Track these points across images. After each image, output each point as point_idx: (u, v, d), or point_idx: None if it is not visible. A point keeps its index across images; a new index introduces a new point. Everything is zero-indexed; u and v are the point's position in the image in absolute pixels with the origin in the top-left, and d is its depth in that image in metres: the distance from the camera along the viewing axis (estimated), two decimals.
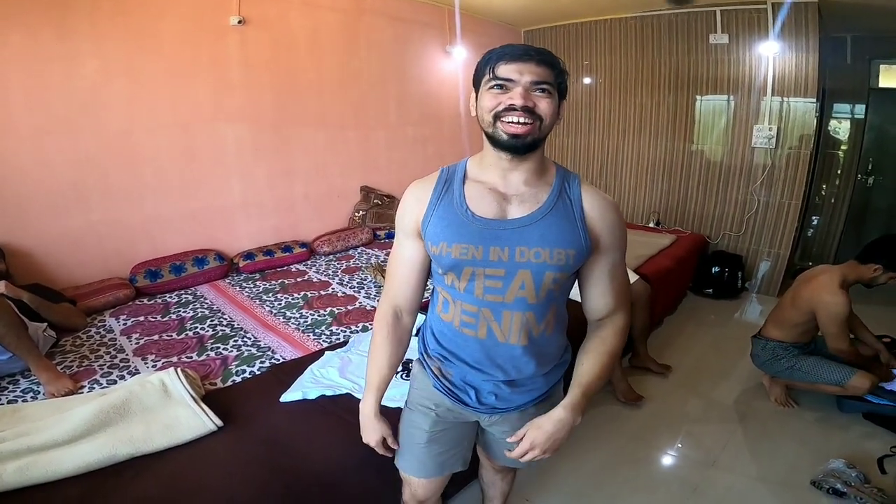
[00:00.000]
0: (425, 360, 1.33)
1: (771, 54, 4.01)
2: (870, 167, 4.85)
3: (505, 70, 1.04)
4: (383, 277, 3.24)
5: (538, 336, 1.19)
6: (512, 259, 1.10)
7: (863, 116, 4.72)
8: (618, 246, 1.17)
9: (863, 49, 4.57)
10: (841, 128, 4.89)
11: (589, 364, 1.19)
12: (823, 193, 5.03)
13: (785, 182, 4.19)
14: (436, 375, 1.29)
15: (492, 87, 1.06)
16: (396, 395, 1.86)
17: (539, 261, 1.09)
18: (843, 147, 4.89)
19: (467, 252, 1.10)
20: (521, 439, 1.17)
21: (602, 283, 1.19)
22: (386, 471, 1.44)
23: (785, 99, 4.05)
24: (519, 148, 1.06)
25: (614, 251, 1.17)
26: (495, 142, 1.08)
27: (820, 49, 3.84)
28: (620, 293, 1.22)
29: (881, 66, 4.61)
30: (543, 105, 1.05)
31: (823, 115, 4.54)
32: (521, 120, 1.03)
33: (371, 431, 1.32)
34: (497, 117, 1.05)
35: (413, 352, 1.61)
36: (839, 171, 4.95)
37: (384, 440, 1.33)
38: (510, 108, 1.03)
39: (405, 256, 1.24)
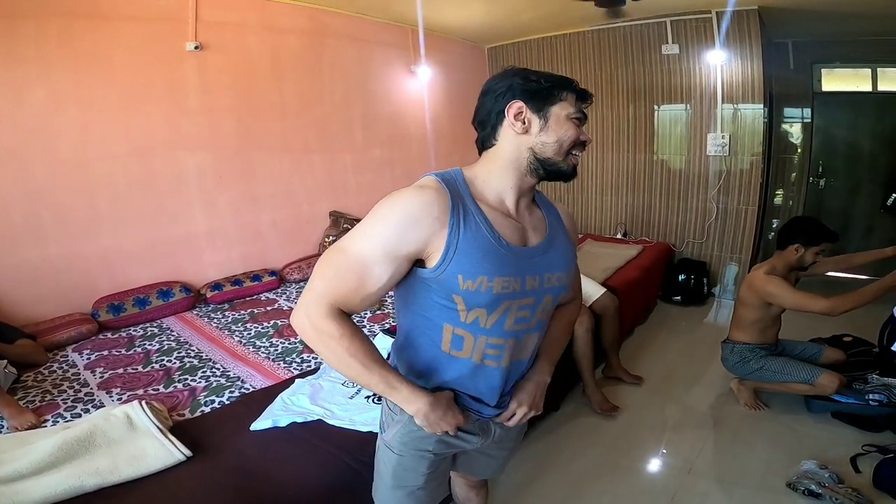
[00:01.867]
0: None
1: (718, 62, 4.14)
2: (820, 170, 5.02)
3: (585, 107, 1.10)
4: None
5: (536, 347, 1.24)
6: (542, 286, 1.11)
7: (810, 120, 4.90)
8: (577, 241, 1.29)
9: (805, 54, 4.76)
10: (792, 132, 5.06)
11: (554, 334, 1.30)
12: (780, 197, 5.18)
13: (740, 188, 4.31)
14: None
15: (576, 119, 1.08)
16: (368, 419, 1.86)
17: (561, 284, 1.15)
18: (799, 151, 5.06)
19: (509, 286, 1.04)
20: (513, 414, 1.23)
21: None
22: (359, 496, 1.41)
23: (735, 106, 4.19)
24: (574, 178, 1.12)
25: (576, 246, 1.27)
26: (553, 169, 1.09)
27: (763, 55, 3.99)
28: (578, 284, 1.38)
29: (822, 70, 4.80)
30: None
31: (772, 121, 4.69)
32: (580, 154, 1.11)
33: (448, 415, 1.11)
34: (571, 148, 1.08)
35: None
36: (793, 175, 5.12)
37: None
38: (583, 144, 1.10)
39: (379, 278, 1.00)
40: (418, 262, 1.03)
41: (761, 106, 4.08)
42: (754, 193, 4.25)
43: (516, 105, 1.05)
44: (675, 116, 4.58)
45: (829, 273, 2.80)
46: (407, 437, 1.21)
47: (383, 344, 2.48)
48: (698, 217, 4.58)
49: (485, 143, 1.13)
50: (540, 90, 1.05)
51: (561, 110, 1.05)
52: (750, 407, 2.84)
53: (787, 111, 5.00)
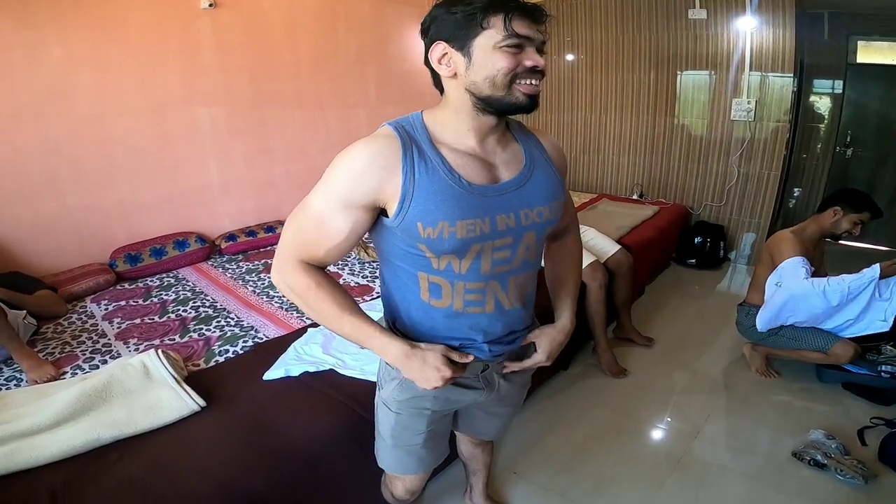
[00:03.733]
0: None
1: (748, 29, 3.99)
2: (848, 139, 4.89)
3: (523, 27, 0.92)
4: (367, 254, 3.22)
5: (530, 290, 1.19)
6: (519, 224, 1.04)
7: (841, 91, 4.74)
8: (567, 170, 1.22)
9: (840, 25, 4.55)
10: (821, 103, 4.91)
11: (563, 274, 1.31)
12: (804, 165, 5.07)
13: (764, 154, 4.20)
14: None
15: (509, 46, 0.92)
16: (374, 368, 1.87)
17: (542, 219, 1.07)
18: (827, 121, 4.92)
19: (475, 228, 0.98)
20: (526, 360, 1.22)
21: (564, 206, 1.21)
22: (368, 445, 1.43)
23: (764, 74, 4.05)
24: (533, 108, 0.98)
25: (566, 176, 1.21)
26: (502, 105, 0.97)
27: (796, 25, 3.83)
28: (574, 210, 1.33)
29: (859, 42, 4.60)
30: (545, 66, 0.98)
31: (802, 91, 4.55)
32: (538, 81, 0.97)
33: (431, 367, 1.05)
34: (514, 79, 0.95)
35: None
36: (819, 145, 4.99)
37: (447, 360, 1.07)
38: (533, 70, 0.95)
39: (339, 230, 0.99)
40: (383, 212, 1.00)
41: (791, 75, 3.95)
42: (778, 159, 4.15)
43: (438, 48, 0.97)
44: (698, 82, 4.43)
45: (850, 242, 2.75)
46: (403, 394, 1.19)
47: None
48: (718, 181, 4.49)
49: (437, 88, 1.06)
50: (460, 24, 0.93)
51: (486, 41, 0.93)
52: (761, 374, 2.83)
53: (818, 82, 4.81)
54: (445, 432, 1.38)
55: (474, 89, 0.97)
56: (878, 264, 2.32)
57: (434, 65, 1.00)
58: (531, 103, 0.97)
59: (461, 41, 0.95)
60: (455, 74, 0.98)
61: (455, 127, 1.02)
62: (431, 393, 1.16)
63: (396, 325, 1.16)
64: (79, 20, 2.77)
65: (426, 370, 1.05)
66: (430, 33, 0.99)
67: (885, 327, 2.40)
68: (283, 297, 2.65)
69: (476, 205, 0.99)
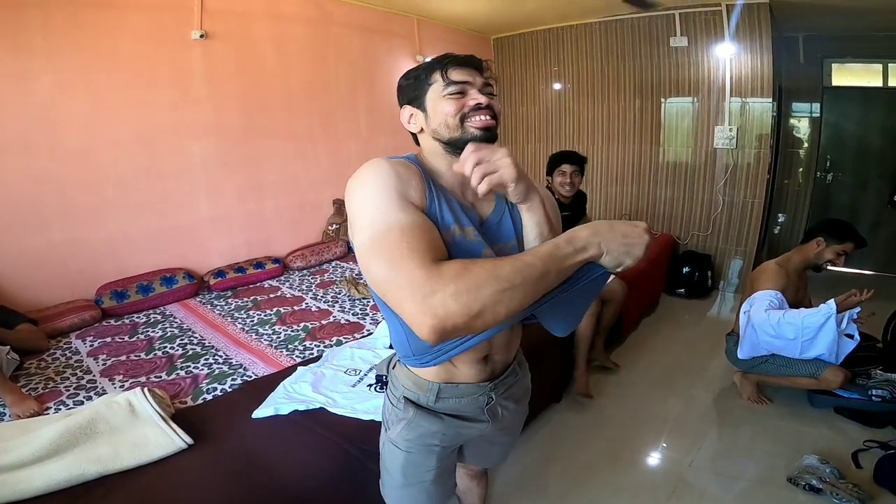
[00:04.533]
0: (431, 407, 1.20)
1: (728, 56, 4.12)
2: (828, 164, 4.99)
3: (459, 74, 1.06)
4: (357, 290, 3.20)
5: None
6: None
7: (819, 115, 4.86)
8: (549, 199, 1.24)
9: (815, 48, 4.72)
10: (801, 126, 5.02)
11: None
12: (787, 190, 5.15)
13: (747, 181, 4.29)
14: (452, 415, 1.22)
15: (451, 93, 1.05)
16: (370, 407, 1.86)
17: (516, 252, 1.08)
18: (806, 145, 5.02)
19: (476, 236, 1.03)
20: None
21: None
22: (360, 484, 1.41)
23: (744, 99, 4.16)
24: (490, 139, 1.05)
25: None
26: (463, 143, 1.02)
27: (773, 49, 3.96)
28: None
29: (833, 64, 4.76)
30: (496, 105, 1.08)
31: (781, 115, 4.66)
32: (489, 116, 1.05)
33: (638, 229, 1.02)
34: (463, 119, 1.04)
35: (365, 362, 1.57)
36: (801, 170, 5.08)
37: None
38: (477, 108, 1.04)
39: (418, 224, 0.91)
40: None
41: (770, 100, 4.05)
42: (761, 186, 4.23)
43: (405, 111, 1.14)
44: (682, 109, 4.54)
45: (834, 268, 2.79)
46: (412, 433, 1.21)
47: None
48: (704, 209, 4.56)
49: (416, 144, 1.19)
50: (414, 87, 1.11)
51: (433, 94, 1.07)
52: (752, 401, 2.83)
53: (796, 105, 4.96)
54: (452, 467, 1.39)
55: (437, 136, 1.08)
56: (833, 299, 2.38)
57: (405, 125, 1.15)
58: (486, 135, 1.05)
59: (418, 100, 1.10)
60: (422, 129, 1.12)
61: (438, 167, 1.11)
62: (439, 430, 1.20)
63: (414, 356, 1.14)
64: (69, 46, 2.77)
65: (634, 234, 1.03)
66: (399, 101, 1.16)
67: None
68: (278, 333, 2.66)
69: (471, 217, 1.07)
